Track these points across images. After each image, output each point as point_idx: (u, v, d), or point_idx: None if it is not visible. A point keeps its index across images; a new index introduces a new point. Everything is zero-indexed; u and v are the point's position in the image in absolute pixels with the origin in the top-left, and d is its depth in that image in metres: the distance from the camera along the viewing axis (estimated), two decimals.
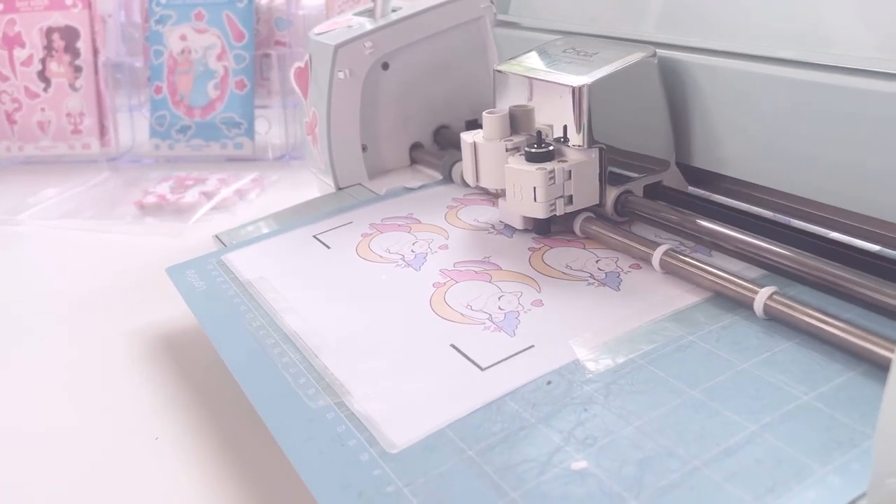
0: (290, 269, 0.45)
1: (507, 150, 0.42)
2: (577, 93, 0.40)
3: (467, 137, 0.44)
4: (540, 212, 0.40)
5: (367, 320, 0.38)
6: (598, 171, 0.41)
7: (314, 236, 0.49)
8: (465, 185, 0.53)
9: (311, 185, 0.62)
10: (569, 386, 0.31)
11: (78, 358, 0.48)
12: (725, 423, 0.27)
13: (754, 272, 0.36)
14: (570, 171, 0.40)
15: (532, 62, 0.44)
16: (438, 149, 0.60)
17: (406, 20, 0.55)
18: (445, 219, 0.49)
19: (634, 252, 0.39)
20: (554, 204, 0.40)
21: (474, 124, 0.61)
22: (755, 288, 0.33)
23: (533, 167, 0.40)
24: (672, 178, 0.44)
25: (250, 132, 0.82)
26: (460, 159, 0.54)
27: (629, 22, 0.46)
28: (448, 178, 0.54)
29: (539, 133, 0.41)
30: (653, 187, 0.44)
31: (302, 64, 0.58)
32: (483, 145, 0.43)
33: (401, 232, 0.48)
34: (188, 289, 0.45)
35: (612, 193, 0.42)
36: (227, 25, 0.83)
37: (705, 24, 0.41)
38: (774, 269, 0.35)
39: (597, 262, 0.40)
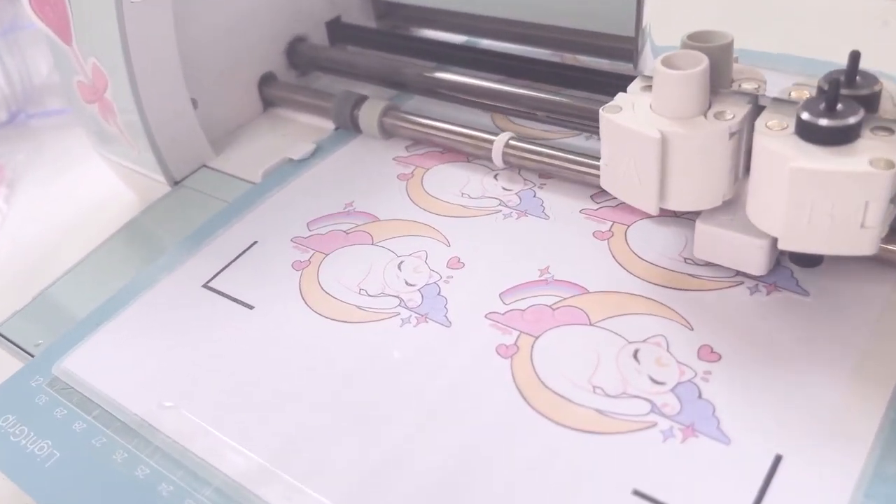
0: (202, 374, 0.24)
1: (730, 135, 0.22)
2: None
3: (626, 122, 0.22)
4: (867, 245, 0.20)
5: (424, 468, 0.21)
6: None
7: (205, 286, 0.28)
8: (384, 135, 0.34)
9: (87, 157, 0.39)
10: None
11: None
12: None
13: None
14: None
15: None
16: (298, 75, 0.40)
17: None
18: (413, 201, 0.30)
19: None
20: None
21: (338, 26, 0.40)
22: None
23: (862, 162, 0.19)
24: None
25: None
26: (364, 97, 0.34)
27: None
28: (350, 128, 0.34)
29: (836, 82, 0.20)
30: None
31: None
32: (685, 137, 0.22)
33: (361, 246, 0.29)
34: (21, 467, 0.23)
35: None
36: None
37: None
38: None
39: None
